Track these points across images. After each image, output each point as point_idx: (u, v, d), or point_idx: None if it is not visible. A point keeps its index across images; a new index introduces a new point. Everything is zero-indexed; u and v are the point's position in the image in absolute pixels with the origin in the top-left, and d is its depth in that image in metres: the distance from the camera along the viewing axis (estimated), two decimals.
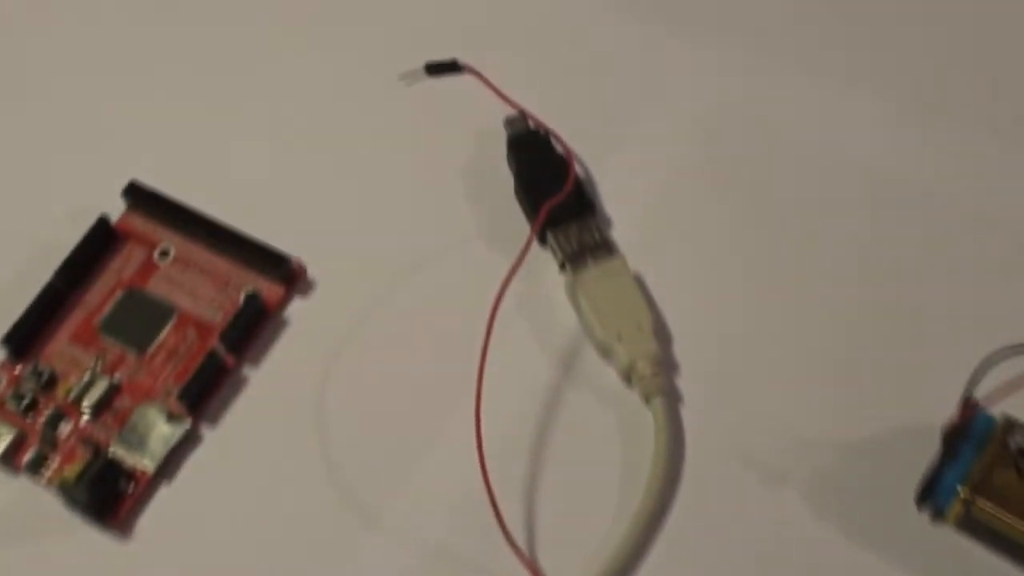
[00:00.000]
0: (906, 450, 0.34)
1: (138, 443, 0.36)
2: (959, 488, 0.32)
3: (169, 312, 0.38)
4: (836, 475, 0.35)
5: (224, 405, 0.37)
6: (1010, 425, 0.33)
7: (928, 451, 0.34)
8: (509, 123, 0.40)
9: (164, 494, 0.36)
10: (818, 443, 0.35)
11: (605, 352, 0.37)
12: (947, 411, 0.34)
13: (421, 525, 0.35)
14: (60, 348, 0.38)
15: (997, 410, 0.33)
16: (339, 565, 0.34)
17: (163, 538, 0.35)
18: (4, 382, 0.37)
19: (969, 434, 0.33)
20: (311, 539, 0.35)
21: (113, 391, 0.37)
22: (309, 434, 0.36)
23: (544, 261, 0.39)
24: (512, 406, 0.36)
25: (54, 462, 0.36)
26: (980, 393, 0.33)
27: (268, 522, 0.35)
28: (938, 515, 0.34)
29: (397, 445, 0.36)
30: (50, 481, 0.36)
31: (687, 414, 0.36)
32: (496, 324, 0.35)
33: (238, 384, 0.37)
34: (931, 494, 0.33)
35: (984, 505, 0.32)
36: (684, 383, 0.36)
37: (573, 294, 0.37)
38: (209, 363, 0.37)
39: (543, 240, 0.38)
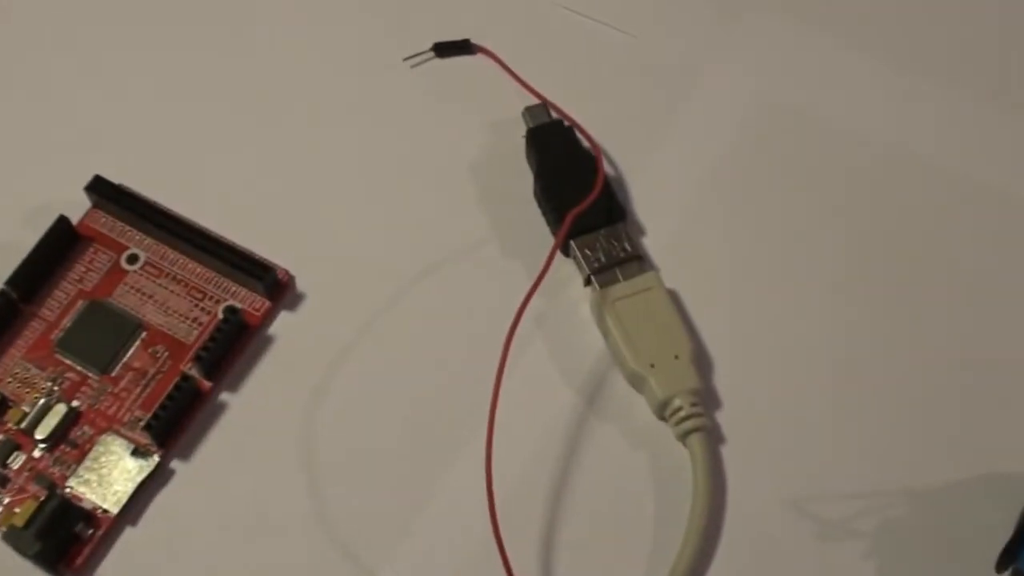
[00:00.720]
0: (987, 506, 0.30)
1: (99, 481, 0.31)
2: None
3: (137, 327, 0.33)
4: (903, 531, 0.30)
5: (199, 436, 0.32)
6: None
7: (1012, 508, 0.29)
8: (529, 113, 0.35)
9: (128, 537, 0.31)
10: (884, 493, 0.31)
11: (636, 382, 0.32)
12: None
13: None
14: (12, 367, 0.33)
15: None
16: None
17: None
18: None
19: None
20: None
21: (71, 418, 0.32)
22: (295, 471, 0.32)
23: (567, 272, 0.34)
24: (528, 443, 0.32)
25: (2, 502, 0.31)
26: None
27: (248, 571, 0.31)
28: None
29: (396, 486, 0.32)
30: None
31: (729, 456, 0.31)
32: (512, 346, 0.31)
33: (215, 412, 0.33)
34: (1015, 559, 0.29)
35: None
36: (726, 420, 0.32)
37: (600, 314, 0.33)
38: (182, 388, 0.32)
39: (566, 252, 0.34)
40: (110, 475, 0.32)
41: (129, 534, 0.31)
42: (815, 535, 0.30)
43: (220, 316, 0.33)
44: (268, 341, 0.34)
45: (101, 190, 0.35)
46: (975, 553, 0.30)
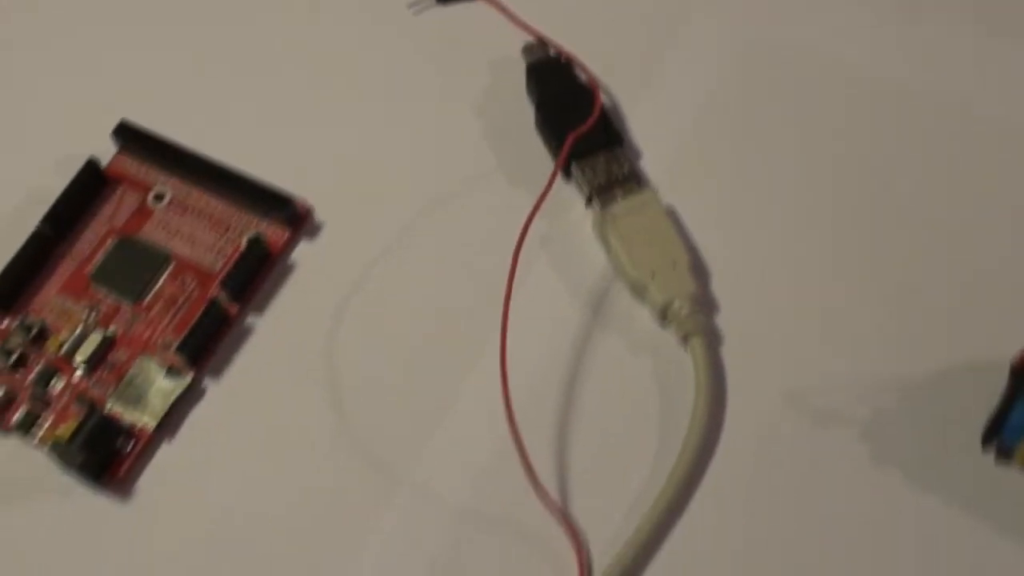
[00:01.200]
0: (971, 388, 0.32)
1: (136, 399, 0.33)
2: None
3: (166, 259, 0.35)
4: (894, 416, 0.32)
5: (228, 357, 0.34)
6: None
7: (995, 389, 0.31)
8: (527, 51, 0.37)
9: (165, 452, 0.33)
10: (873, 382, 0.32)
11: (638, 292, 0.34)
12: (1016, 346, 0.31)
13: (446, 483, 0.32)
14: (50, 300, 0.35)
15: None
16: (357, 529, 0.32)
17: (165, 498, 0.33)
18: None
19: None
20: (325, 501, 0.32)
21: (108, 344, 0.34)
22: (320, 386, 0.34)
23: (569, 197, 0.36)
24: (539, 353, 0.34)
25: (46, 421, 0.33)
26: None
27: (278, 482, 0.33)
28: (1005, 455, 0.31)
29: (417, 396, 0.33)
30: (42, 441, 0.33)
31: (728, 355, 0.33)
32: (520, 265, 0.33)
33: (242, 334, 0.34)
34: (999, 431, 0.31)
35: None
36: (724, 323, 0.34)
37: (602, 230, 0.35)
38: (210, 312, 0.34)
39: (568, 174, 0.36)
40: (146, 394, 0.34)
41: (166, 449, 0.33)
42: (811, 424, 0.32)
43: (244, 246, 0.35)
44: (290, 268, 0.35)
45: (126, 134, 0.37)
46: (962, 433, 0.32)
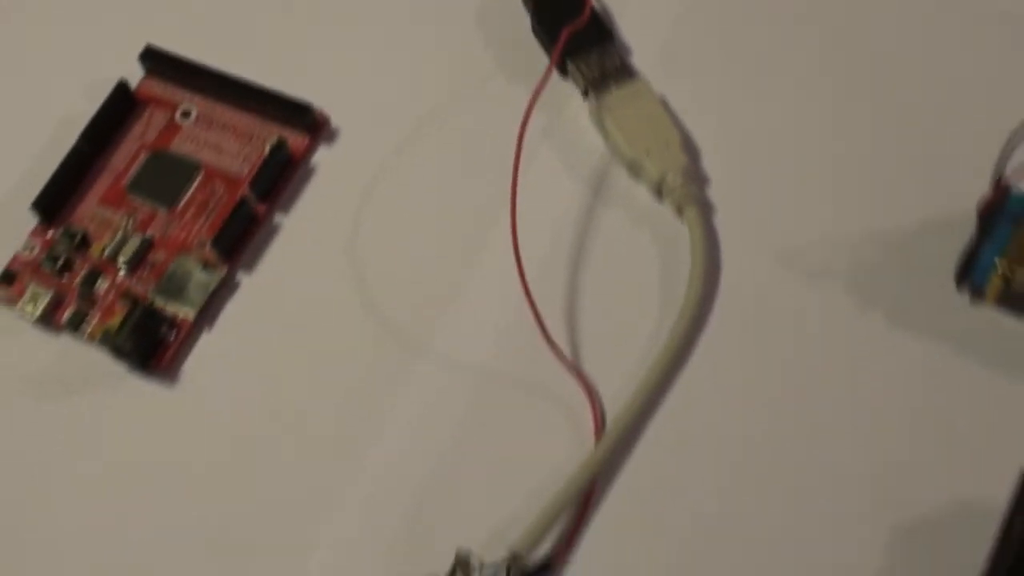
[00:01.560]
0: (944, 236, 0.35)
1: (176, 292, 0.36)
2: (997, 262, 0.33)
3: (196, 168, 0.38)
4: (876, 267, 0.35)
5: (258, 252, 0.37)
6: None
7: (967, 235, 0.34)
8: None
9: (205, 340, 0.36)
10: (855, 238, 0.35)
11: (635, 170, 0.37)
12: (982, 193, 0.34)
13: (466, 351, 0.35)
14: (90, 210, 0.38)
15: None
16: (387, 394, 0.35)
17: (208, 382, 0.35)
18: (37, 247, 0.37)
19: (1004, 211, 0.33)
20: (356, 375, 0.35)
21: (147, 247, 0.37)
22: (346, 275, 0.36)
23: (566, 93, 0.39)
24: (547, 230, 0.36)
25: (94, 318, 0.36)
26: (1012, 168, 0.33)
27: (312, 360, 0.35)
28: (978, 293, 0.34)
29: (435, 278, 0.36)
30: (91, 336, 0.36)
31: (720, 223, 0.36)
32: (524, 155, 0.35)
33: (270, 232, 0.37)
34: (970, 272, 0.33)
35: (1022, 276, 0.33)
36: (715, 194, 0.37)
37: (599, 118, 0.37)
38: (240, 211, 0.37)
39: (564, 71, 0.38)
40: (185, 288, 0.36)
41: (206, 338, 0.36)
42: (798, 279, 0.35)
43: (267, 151, 0.38)
44: (311, 172, 0.38)
45: (153, 58, 0.39)
46: (939, 277, 0.34)
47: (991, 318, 0.34)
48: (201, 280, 0.36)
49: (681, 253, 0.36)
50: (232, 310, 0.36)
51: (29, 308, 0.36)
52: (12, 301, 0.36)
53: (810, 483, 0.33)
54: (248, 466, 0.34)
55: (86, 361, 0.36)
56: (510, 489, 0.33)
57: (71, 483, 0.34)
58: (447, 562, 0.31)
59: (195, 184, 0.38)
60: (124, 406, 0.35)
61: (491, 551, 0.32)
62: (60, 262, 0.37)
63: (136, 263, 0.37)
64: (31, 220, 0.37)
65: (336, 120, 0.39)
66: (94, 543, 0.34)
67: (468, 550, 0.31)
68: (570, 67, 0.38)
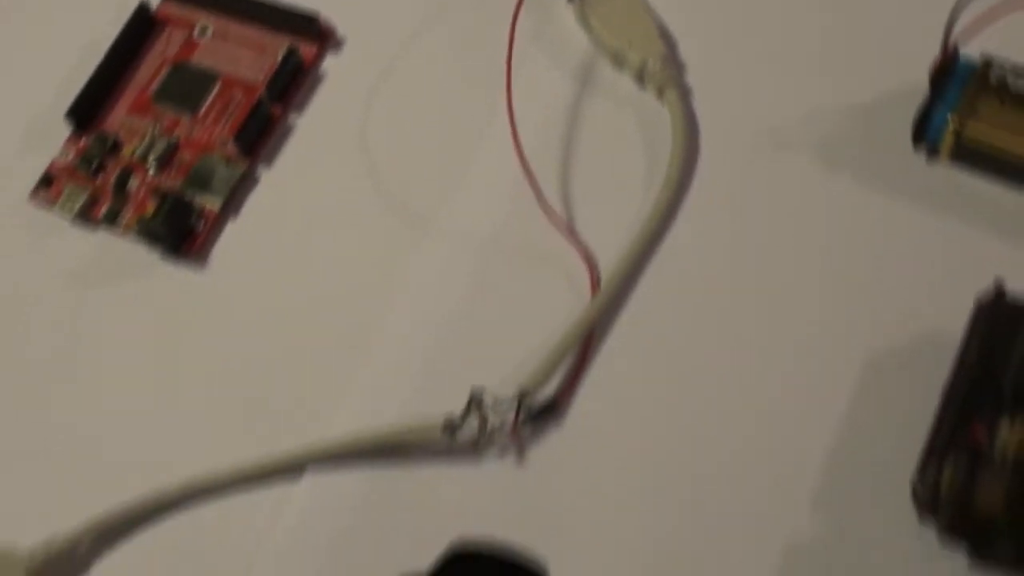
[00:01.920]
0: (901, 103, 0.38)
1: (202, 185, 0.39)
2: (949, 118, 0.36)
3: (215, 78, 0.41)
4: (841, 135, 0.38)
5: (276, 149, 0.40)
6: (989, 61, 0.37)
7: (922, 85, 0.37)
8: None
9: (231, 229, 0.39)
10: (820, 110, 0.39)
11: (618, 60, 0.40)
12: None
13: (470, 225, 0.38)
14: (119, 119, 0.41)
15: (976, 44, 0.37)
16: (402, 265, 0.38)
17: (235, 268, 0.39)
18: (72, 154, 0.40)
19: (953, 74, 0.37)
20: (371, 251, 0.38)
21: (173, 148, 0.40)
22: (358, 168, 0.40)
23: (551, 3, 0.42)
24: (540, 119, 0.40)
25: (128, 212, 0.39)
26: (959, 32, 0.36)
27: (330, 241, 0.39)
28: (933, 151, 0.37)
29: (438, 164, 0.40)
30: (127, 227, 0.39)
31: (698, 104, 0.39)
32: (516, 56, 0.39)
33: (286, 131, 0.41)
34: (925, 130, 0.37)
35: (973, 131, 0.36)
36: (693, 78, 0.40)
37: (584, 17, 0.41)
38: (258, 110, 0.40)
39: None
40: (211, 181, 0.39)
41: (231, 227, 0.39)
42: (770, 148, 0.38)
43: (280, 59, 0.41)
44: (321, 77, 0.42)
45: None
46: (898, 140, 0.38)
47: (946, 174, 0.37)
48: (224, 174, 0.39)
49: (663, 132, 0.39)
50: (254, 201, 0.40)
51: (68, 207, 0.39)
52: (51, 202, 0.40)
53: (786, 322, 0.36)
54: (277, 336, 0.38)
55: (122, 251, 0.39)
56: (517, 340, 0.36)
57: (117, 354, 0.38)
58: (463, 402, 0.35)
59: (215, 91, 0.41)
60: (159, 291, 0.39)
61: (502, 391, 0.35)
62: (94, 164, 0.40)
63: (164, 162, 0.40)
64: (65, 130, 0.41)
65: (342, 30, 0.42)
66: (143, 413, 0.37)
67: (482, 387, 0.35)
68: None
